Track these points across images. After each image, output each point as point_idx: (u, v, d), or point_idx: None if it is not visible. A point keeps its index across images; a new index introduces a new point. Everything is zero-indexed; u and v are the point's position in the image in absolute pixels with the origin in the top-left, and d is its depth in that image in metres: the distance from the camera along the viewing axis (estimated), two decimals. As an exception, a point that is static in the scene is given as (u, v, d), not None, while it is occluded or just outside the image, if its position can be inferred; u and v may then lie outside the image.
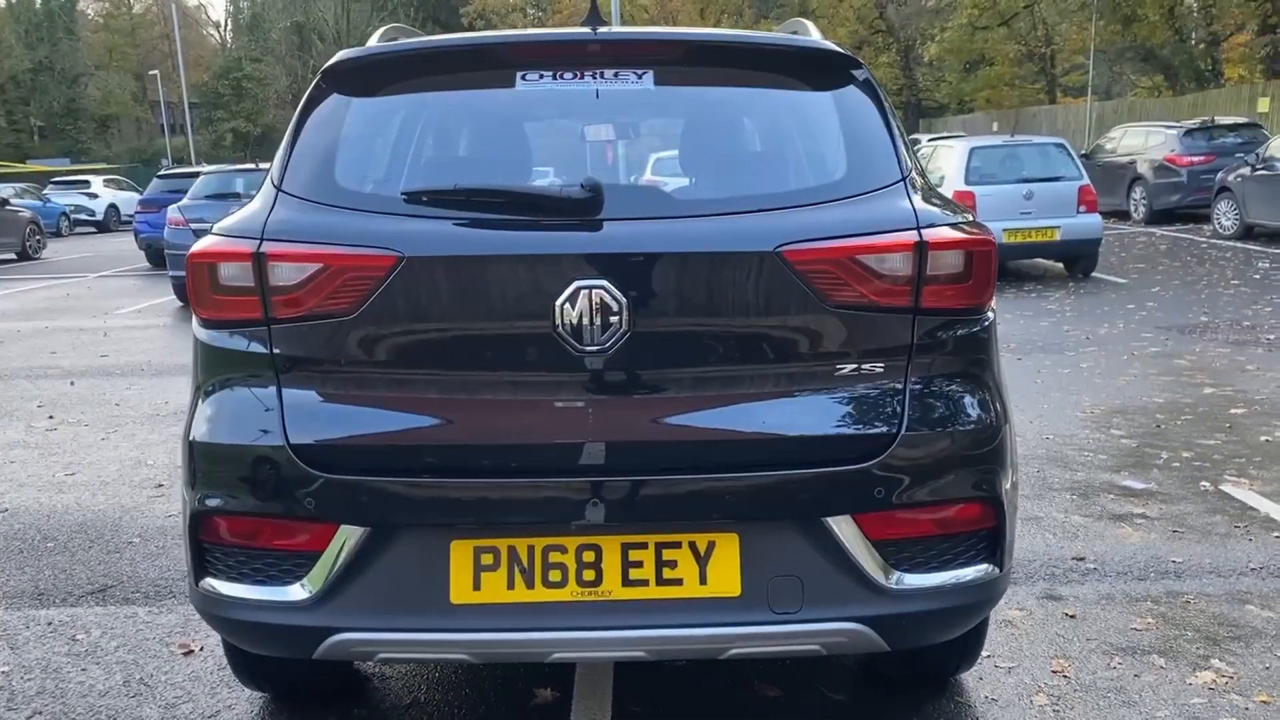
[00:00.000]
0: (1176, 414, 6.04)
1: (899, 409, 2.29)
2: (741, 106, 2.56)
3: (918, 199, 2.36)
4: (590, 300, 2.17)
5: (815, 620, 2.27)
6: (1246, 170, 14.18)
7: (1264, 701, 2.92)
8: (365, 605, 2.28)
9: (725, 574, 2.26)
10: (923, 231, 2.28)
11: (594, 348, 2.20)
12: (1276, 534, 4.18)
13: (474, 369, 2.27)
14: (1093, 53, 31.96)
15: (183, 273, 11.09)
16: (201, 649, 3.40)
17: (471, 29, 55.82)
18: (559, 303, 2.18)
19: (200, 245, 2.37)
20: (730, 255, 2.24)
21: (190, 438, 2.38)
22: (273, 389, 2.31)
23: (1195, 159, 16.73)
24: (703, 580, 2.26)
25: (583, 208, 2.24)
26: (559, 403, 2.26)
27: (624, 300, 2.18)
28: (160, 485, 5.20)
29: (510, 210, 2.28)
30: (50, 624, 3.64)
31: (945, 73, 41.78)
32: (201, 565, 2.40)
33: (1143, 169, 17.62)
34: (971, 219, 2.45)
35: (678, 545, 2.27)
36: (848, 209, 2.31)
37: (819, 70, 2.52)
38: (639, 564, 2.27)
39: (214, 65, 68.41)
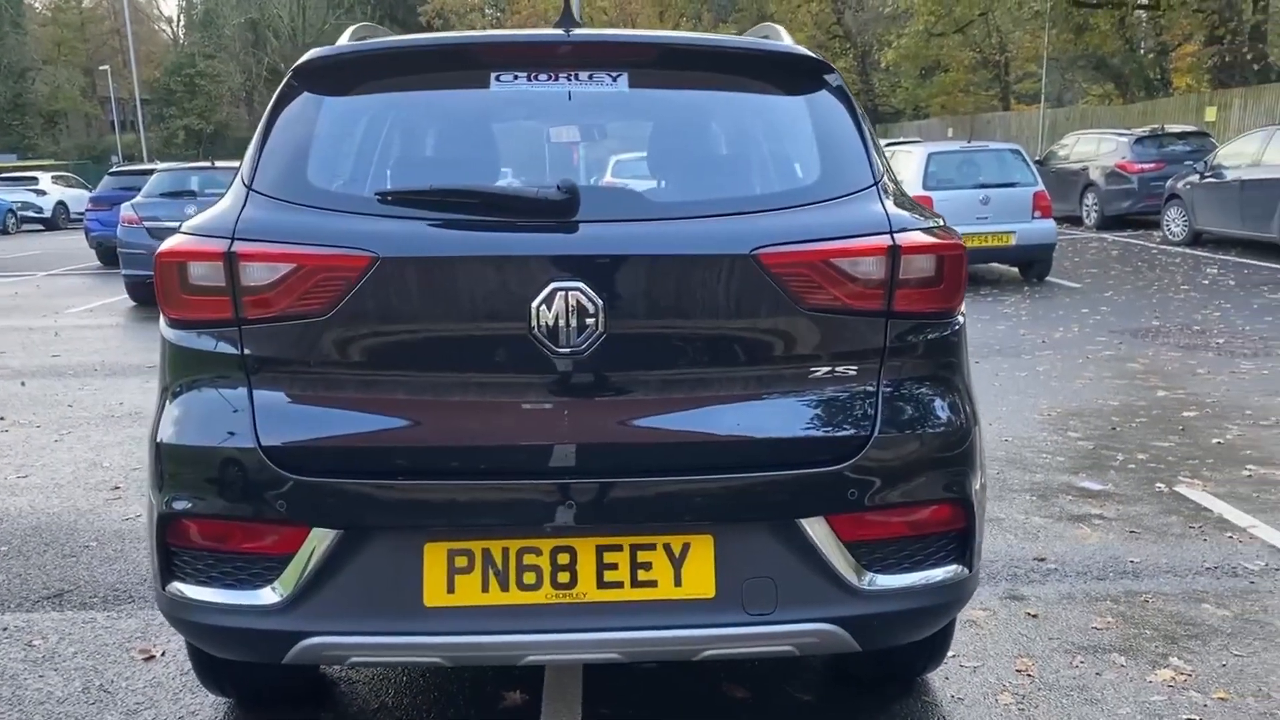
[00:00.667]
0: (1131, 416, 6.14)
1: (872, 411, 2.31)
2: (715, 110, 2.57)
3: (890, 203, 2.38)
4: (567, 302, 2.17)
5: (789, 621, 2.28)
6: (1195, 178, 14.47)
7: (1222, 699, 2.98)
8: (337, 609, 2.26)
9: (700, 576, 2.27)
10: (895, 235, 2.30)
11: (569, 350, 2.20)
12: (1229, 534, 4.27)
13: (448, 370, 2.26)
14: (1045, 61, 32.43)
15: (137, 271, 10.90)
16: (163, 654, 3.34)
17: (430, 28, 55.43)
18: (535, 304, 2.18)
19: (169, 244, 2.34)
20: (706, 258, 2.24)
21: (158, 439, 2.35)
22: (243, 390, 2.28)
23: (1146, 166, 17.04)
24: (677, 582, 2.27)
25: (558, 209, 2.23)
26: (534, 405, 2.26)
27: (600, 302, 2.18)
28: (116, 488, 5.11)
29: (485, 211, 2.27)
30: (5, 629, 3.56)
31: (901, 79, 42.21)
32: (169, 569, 2.36)
33: (1095, 175, 17.91)
34: (942, 224, 2.48)
35: (652, 547, 2.27)
36: (821, 213, 2.33)
37: (792, 75, 2.54)
38: (614, 566, 2.27)
39: (166, 61, 67.36)
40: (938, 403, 2.38)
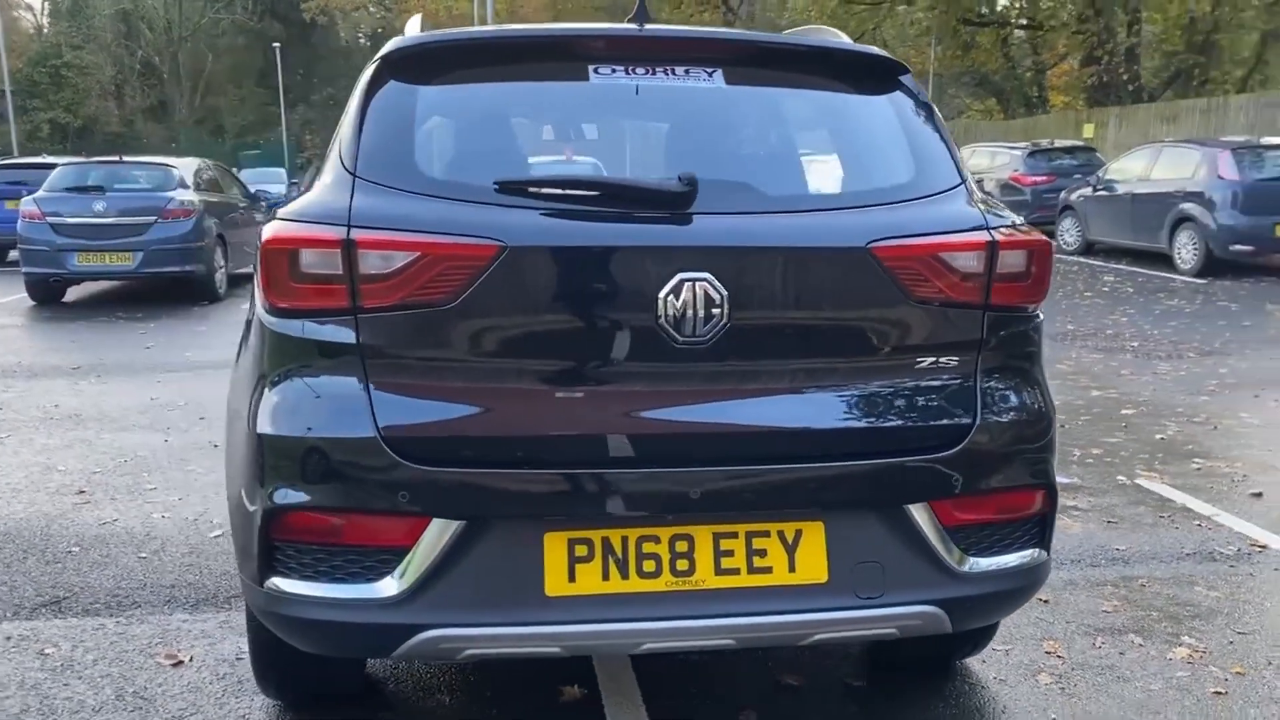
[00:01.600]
0: (1075, 415, 6.44)
1: (972, 400, 2.40)
2: (807, 108, 2.63)
3: (978, 201, 2.48)
4: (694, 292, 2.20)
5: (896, 604, 2.35)
6: (1088, 190, 15.22)
7: (1239, 673, 3.18)
8: (456, 601, 2.23)
9: (813, 561, 2.32)
10: (992, 232, 2.40)
11: (693, 339, 2.22)
12: (1197, 522, 4.53)
13: (571, 360, 2.26)
14: (932, 76, 33.56)
15: (38, 269, 10.45)
16: (191, 659, 3.23)
17: (314, 25, 54.20)
18: (663, 294, 2.20)
19: (275, 231, 2.28)
20: (826, 250, 2.30)
21: (259, 431, 2.28)
22: (359, 379, 2.24)
23: (1038, 179, 17.82)
24: (791, 568, 2.32)
25: (679, 200, 2.26)
26: (657, 394, 2.28)
27: (725, 293, 2.21)
28: (82, 491, 4.89)
29: (607, 202, 2.28)
30: (9, 638, 3.39)
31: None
32: (269, 564, 2.30)
33: (990, 187, 18.61)
34: (1022, 221, 2.59)
35: (766, 534, 2.32)
36: (921, 209, 2.41)
37: (874, 76, 2.62)
38: (730, 553, 2.30)
39: (29, 51, 64.08)
40: (1026, 392, 2.49)
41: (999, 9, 27.38)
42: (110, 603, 3.66)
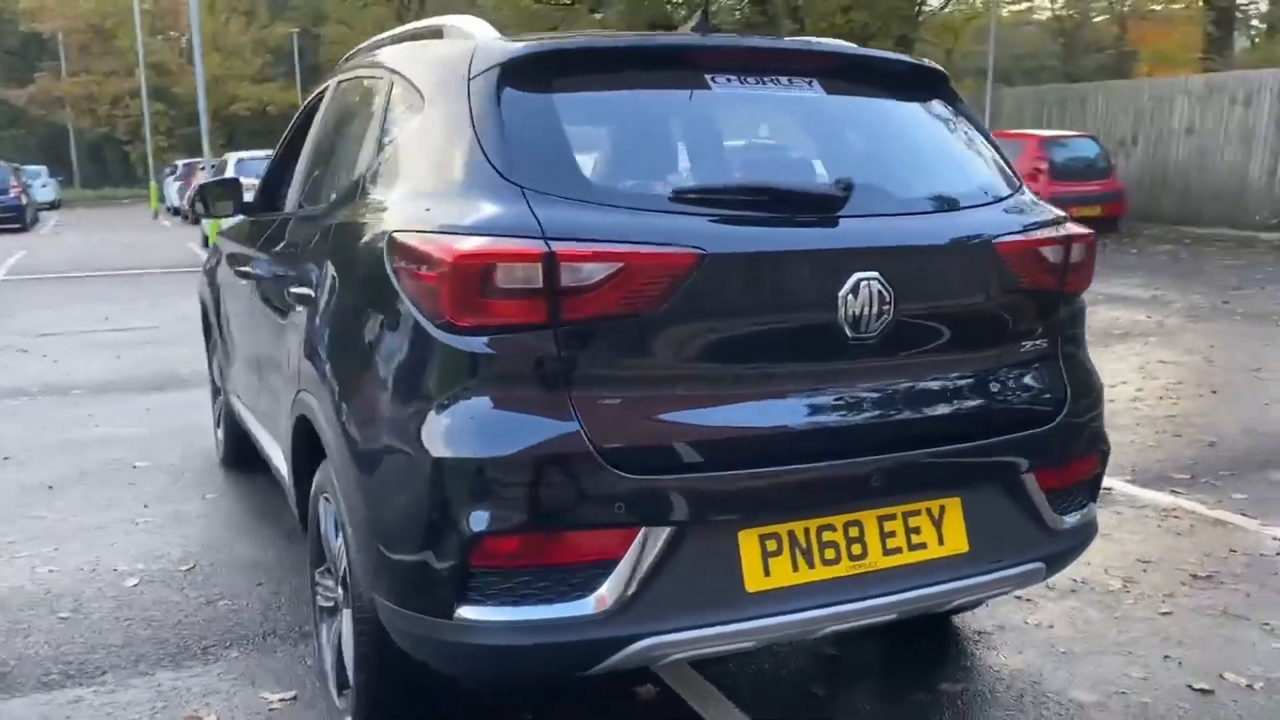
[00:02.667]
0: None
1: (1063, 376, 2.71)
2: (897, 115, 2.81)
3: (1040, 201, 2.80)
4: (870, 291, 2.34)
5: (1017, 565, 2.62)
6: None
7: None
8: (663, 607, 2.24)
9: (956, 534, 2.53)
10: (1065, 226, 2.71)
11: (863, 336, 2.36)
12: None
13: (763, 362, 2.33)
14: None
15: None
16: (218, 719, 2.94)
17: None
18: (842, 294, 2.32)
19: (465, 246, 2.16)
20: (962, 246, 2.53)
21: (445, 455, 2.17)
22: (560, 393, 2.19)
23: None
24: (940, 541, 2.51)
25: (840, 204, 2.39)
26: (835, 390, 2.40)
27: (892, 290, 2.37)
28: (-73, 553, 4.20)
29: (777, 207, 2.36)
30: (-26, 727, 2.91)
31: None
32: (463, 593, 2.19)
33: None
34: (1066, 215, 2.93)
35: (918, 513, 2.50)
36: (1013, 208, 2.68)
37: (931, 85, 2.85)
38: (893, 534, 2.46)
39: None
40: (1089, 366, 2.84)
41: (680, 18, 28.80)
42: (68, 671, 3.22)
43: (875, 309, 2.36)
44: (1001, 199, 2.70)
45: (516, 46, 2.48)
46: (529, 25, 31.83)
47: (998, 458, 2.58)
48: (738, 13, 28.59)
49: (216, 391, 5.47)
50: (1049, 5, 43.59)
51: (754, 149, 2.64)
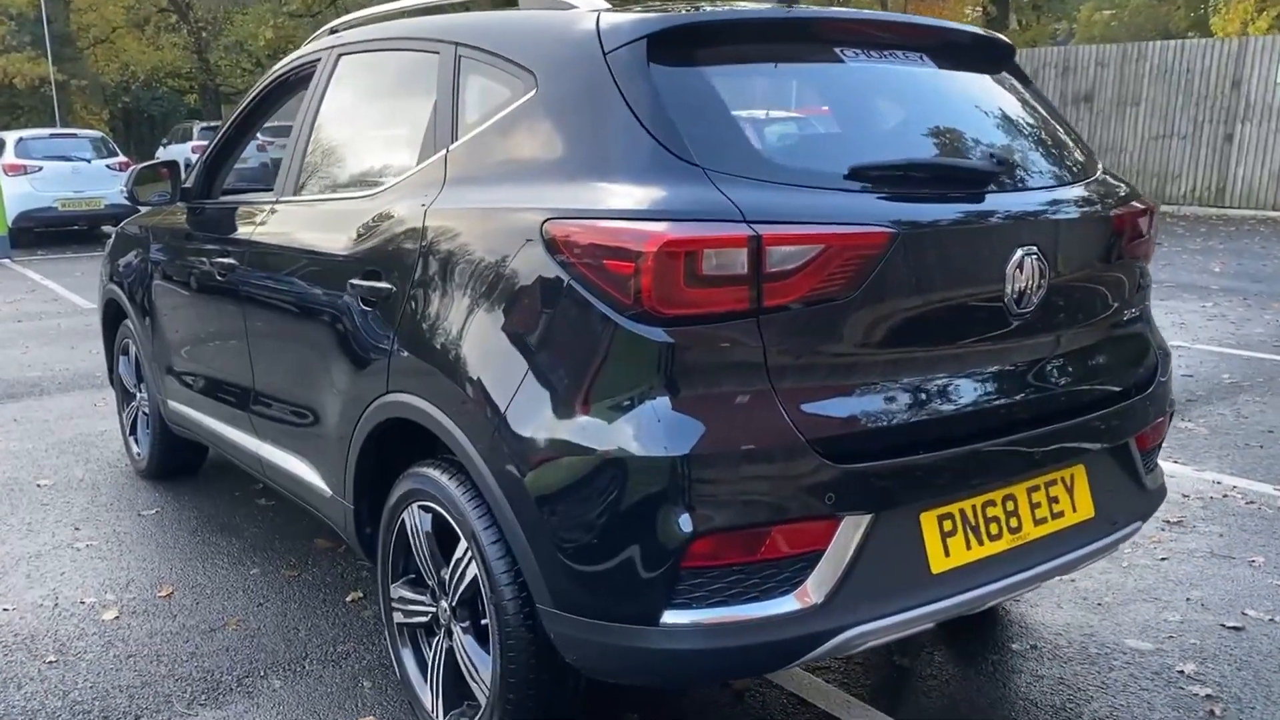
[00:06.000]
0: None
1: (1151, 343, 2.83)
2: (998, 90, 2.81)
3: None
4: (1033, 265, 2.36)
5: (1128, 524, 2.73)
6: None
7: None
8: (863, 595, 2.20)
9: (1084, 500, 2.61)
10: (1144, 199, 2.83)
11: (1024, 311, 2.39)
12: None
13: (941, 342, 2.31)
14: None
15: None
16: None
17: None
18: (1010, 269, 2.33)
19: (669, 232, 2.02)
20: (1095, 218, 2.59)
21: (653, 453, 2.04)
22: (764, 382, 2.09)
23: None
24: (1074, 509, 2.58)
25: (995, 179, 2.40)
26: (999, 366, 2.42)
27: (1048, 264, 2.40)
28: None
29: (944, 183, 2.35)
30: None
31: (242, 59, 40.64)
32: (669, 599, 2.08)
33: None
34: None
35: (1055, 483, 2.56)
36: (1106, 180, 2.77)
37: (1008, 59, 2.90)
38: (1039, 504, 2.51)
39: None
40: (1159, 332, 2.97)
41: None
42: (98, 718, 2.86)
43: (1035, 282, 2.38)
44: (1097, 171, 2.78)
45: (653, 18, 2.34)
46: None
47: (1113, 424, 2.66)
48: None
49: (128, 397, 4.95)
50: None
51: (908, 124, 2.59)
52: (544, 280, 2.22)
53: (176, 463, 4.73)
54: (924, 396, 2.30)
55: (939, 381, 2.33)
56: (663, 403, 2.07)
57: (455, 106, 2.71)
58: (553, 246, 2.19)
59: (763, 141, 2.28)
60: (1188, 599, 3.54)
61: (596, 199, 2.18)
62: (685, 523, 2.04)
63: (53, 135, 16.67)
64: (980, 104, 2.73)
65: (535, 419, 2.21)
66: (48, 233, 15.81)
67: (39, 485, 4.80)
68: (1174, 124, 17.87)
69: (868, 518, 2.18)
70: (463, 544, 2.48)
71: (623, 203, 2.13)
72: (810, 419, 2.12)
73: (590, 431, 2.12)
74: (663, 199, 2.10)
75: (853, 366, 2.21)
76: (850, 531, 2.16)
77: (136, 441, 4.92)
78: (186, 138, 25.42)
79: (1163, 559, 3.87)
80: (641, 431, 2.06)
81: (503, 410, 2.26)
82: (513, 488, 2.26)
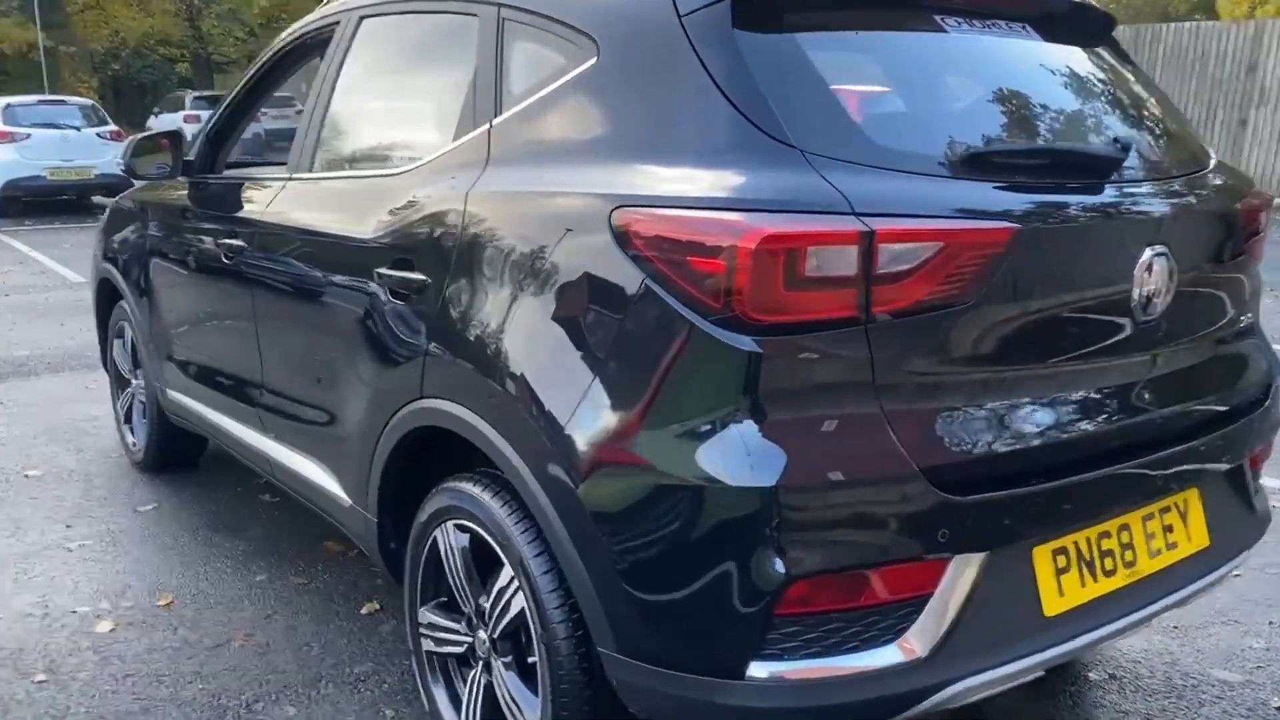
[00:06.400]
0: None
1: (1266, 352, 2.55)
2: (1105, 66, 2.51)
3: None
4: (1163, 266, 2.09)
5: (1240, 552, 2.46)
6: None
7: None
8: (971, 645, 1.93)
9: (1198, 528, 2.34)
10: (1260, 191, 2.54)
11: (1148, 318, 2.11)
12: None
13: (1061, 356, 2.03)
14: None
15: None
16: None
17: None
18: (1137, 271, 2.05)
19: (767, 226, 1.73)
20: (1224, 212, 2.32)
21: (743, 484, 1.76)
22: (874, 401, 1.81)
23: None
24: (1189, 538, 2.31)
25: (1120, 167, 2.12)
26: (1120, 383, 2.15)
27: (1176, 264, 2.12)
28: None
29: (1062, 172, 2.06)
30: None
31: (235, 28, 40.03)
32: (759, 649, 1.80)
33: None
34: None
35: (1169, 510, 2.29)
36: (1221, 167, 2.47)
37: (1109, 30, 2.59)
38: (1153, 535, 2.24)
39: None
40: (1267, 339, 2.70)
41: None
42: (88, 756, 2.58)
43: (1165, 285, 2.10)
44: (1213, 159, 2.49)
45: None
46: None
47: (1230, 444, 2.39)
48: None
49: (123, 383, 4.65)
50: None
51: (1019, 103, 2.29)
52: (611, 277, 1.93)
53: (175, 454, 4.43)
54: (1042, 416, 2.01)
55: (1058, 399, 2.05)
56: (754, 424, 1.78)
57: (498, 76, 2.41)
58: (622, 238, 1.90)
59: (866, 121, 1.98)
60: (1270, 622, 3.29)
61: (674, 185, 1.89)
62: (784, 563, 1.76)
63: (41, 102, 16.24)
64: (1090, 81, 2.43)
65: (600, 435, 1.92)
66: (36, 202, 15.37)
67: (26, 476, 4.51)
68: (1187, 108, 17.53)
69: (981, 556, 1.90)
70: (506, 571, 2.20)
71: (708, 189, 1.84)
72: (923, 444, 1.84)
73: (667, 453, 1.83)
74: (758, 186, 1.81)
75: (968, 383, 1.92)
76: (960, 572, 1.89)
77: (132, 431, 4.62)
78: (179, 107, 24.94)
79: (1236, 574, 3.60)
80: (730, 456, 1.78)
81: (562, 424, 1.97)
82: (571, 513, 1.97)
